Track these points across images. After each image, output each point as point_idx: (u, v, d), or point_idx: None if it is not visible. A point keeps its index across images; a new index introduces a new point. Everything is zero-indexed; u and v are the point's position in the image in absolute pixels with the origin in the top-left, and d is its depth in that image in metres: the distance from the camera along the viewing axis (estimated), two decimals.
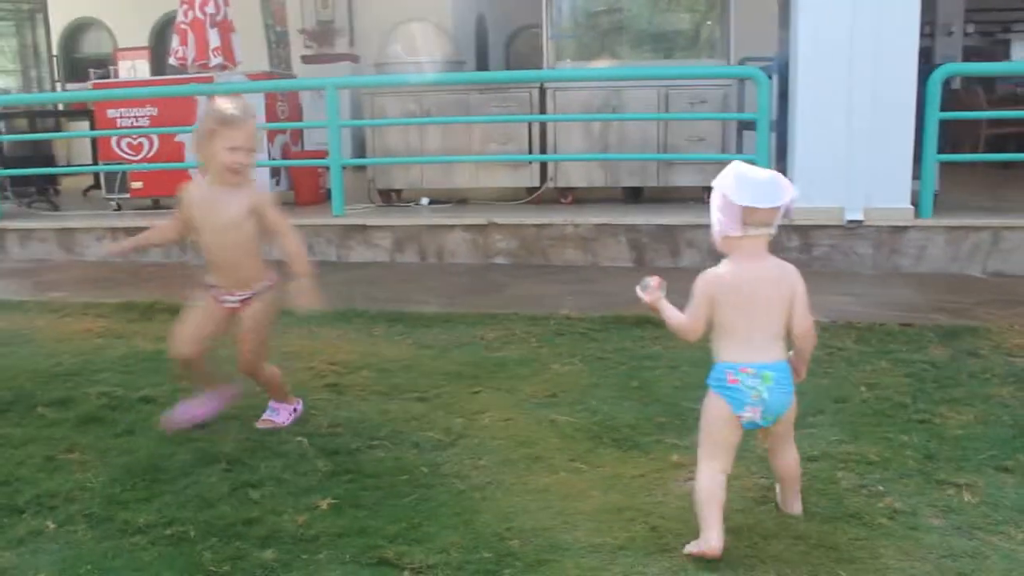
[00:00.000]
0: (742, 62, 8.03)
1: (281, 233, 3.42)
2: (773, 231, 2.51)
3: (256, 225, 3.39)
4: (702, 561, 2.44)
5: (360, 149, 10.35)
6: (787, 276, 2.54)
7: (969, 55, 14.37)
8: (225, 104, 3.29)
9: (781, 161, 6.94)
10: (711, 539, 2.41)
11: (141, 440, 3.41)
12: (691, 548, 2.45)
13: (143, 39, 15.50)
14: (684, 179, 7.56)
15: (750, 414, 2.50)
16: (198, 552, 2.56)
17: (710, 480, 2.49)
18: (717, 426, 2.54)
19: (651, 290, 2.68)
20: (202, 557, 2.52)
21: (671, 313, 2.63)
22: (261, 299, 3.47)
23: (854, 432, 3.33)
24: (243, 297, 3.48)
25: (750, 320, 2.49)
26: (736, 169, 2.47)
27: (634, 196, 8.03)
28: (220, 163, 3.26)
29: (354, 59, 13.80)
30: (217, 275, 3.51)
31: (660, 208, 7.28)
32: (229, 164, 3.25)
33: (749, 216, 2.43)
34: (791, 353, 2.59)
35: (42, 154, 9.98)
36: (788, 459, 2.68)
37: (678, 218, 6.61)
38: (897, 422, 3.42)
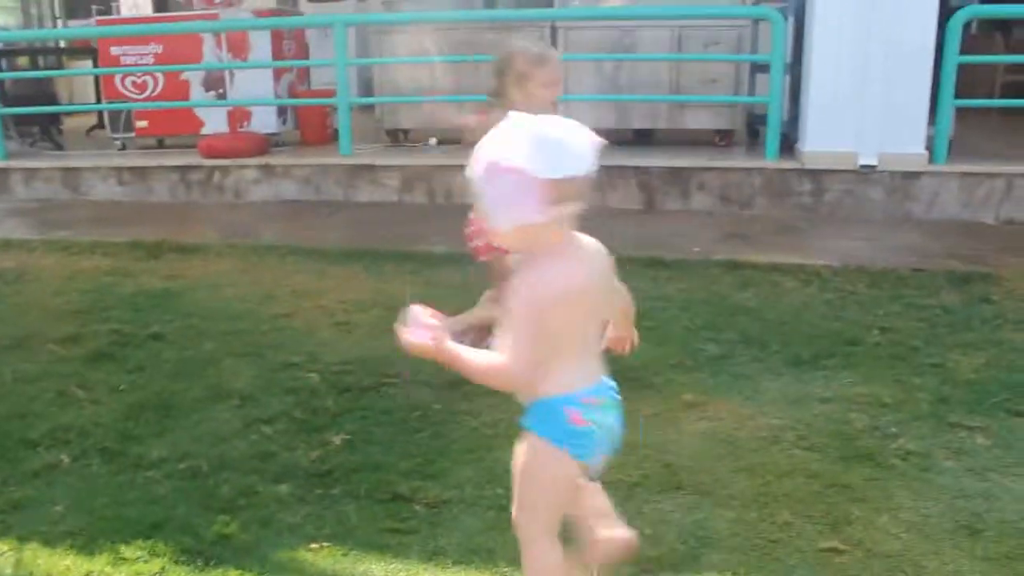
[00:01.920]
0: (757, 2, 7.88)
1: None
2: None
3: None
4: (717, 496, 2.45)
5: (367, 88, 10.22)
6: (604, 252, 1.84)
7: None
8: (527, 44, 3.37)
9: (794, 105, 6.84)
10: None
11: (152, 376, 3.43)
12: None
13: None
14: (696, 122, 7.47)
15: (602, 460, 1.80)
16: (212, 486, 2.58)
17: (556, 560, 1.82)
18: (563, 491, 1.81)
19: (426, 329, 1.76)
20: (217, 491, 2.54)
21: (471, 357, 1.73)
22: None
23: (867, 375, 3.33)
24: None
25: (584, 330, 1.77)
26: (525, 129, 1.66)
27: (645, 138, 7.94)
28: (540, 101, 3.12)
29: None
30: None
31: (671, 150, 7.20)
32: (550, 98, 3.22)
33: (561, 190, 1.64)
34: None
35: (44, 93, 9.86)
36: (599, 489, 2.00)
37: (689, 160, 6.54)
38: (910, 365, 3.41)
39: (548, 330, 1.67)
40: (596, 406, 1.74)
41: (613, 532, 1.95)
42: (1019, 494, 2.49)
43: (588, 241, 1.80)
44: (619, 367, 3.34)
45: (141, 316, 4.15)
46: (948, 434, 2.86)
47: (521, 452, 1.80)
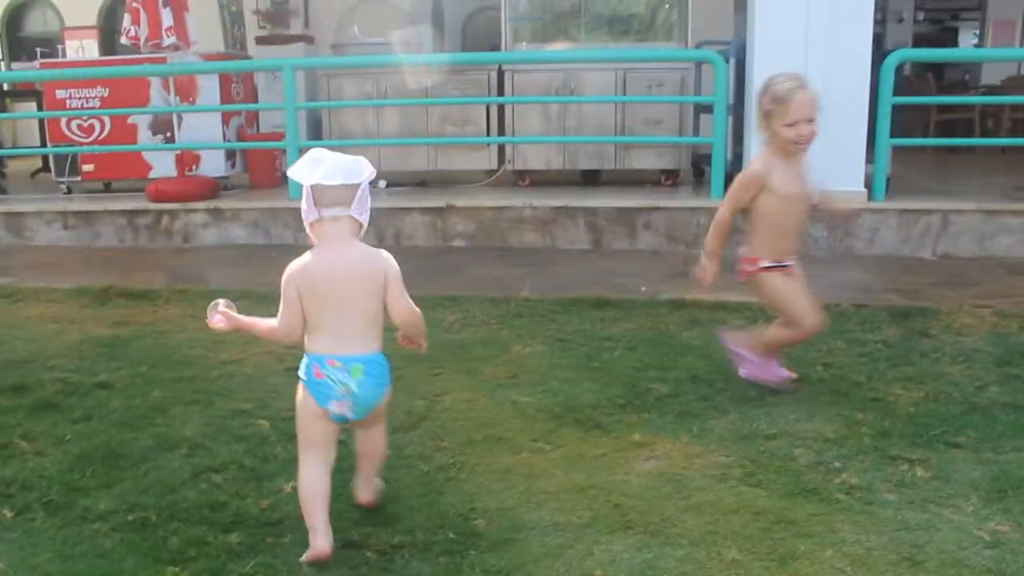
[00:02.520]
0: (699, 45, 8.06)
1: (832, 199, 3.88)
2: (355, 214, 2.39)
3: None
4: (666, 535, 2.48)
5: (316, 131, 10.25)
6: (377, 263, 2.44)
7: (919, 42, 14.57)
8: (780, 81, 3.46)
9: (738, 144, 7.01)
10: (317, 542, 2.37)
11: (99, 426, 3.38)
12: (304, 558, 2.39)
13: (91, 18, 15.17)
14: (642, 162, 7.61)
15: (337, 408, 2.45)
16: (161, 537, 2.54)
17: (310, 476, 2.46)
18: (308, 421, 2.50)
19: (221, 313, 2.61)
20: (166, 542, 2.51)
21: (257, 324, 2.58)
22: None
23: (811, 410, 3.40)
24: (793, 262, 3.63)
25: (338, 311, 2.40)
26: (310, 153, 2.39)
27: (592, 179, 8.06)
28: (782, 139, 3.42)
29: (309, 40, 13.62)
30: (784, 243, 3.59)
31: (618, 191, 7.32)
32: (791, 138, 3.40)
33: (320, 197, 2.34)
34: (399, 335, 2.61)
35: None
36: (373, 439, 2.65)
37: (636, 201, 6.66)
38: (853, 400, 3.49)
39: (304, 302, 2.41)
40: (337, 369, 2.42)
41: (359, 488, 2.70)
42: (958, 524, 2.55)
43: (364, 249, 2.46)
44: (567, 408, 3.41)
45: (87, 364, 4.09)
46: (890, 467, 2.93)
47: None
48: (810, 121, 3.42)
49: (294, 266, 2.42)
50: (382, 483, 2.73)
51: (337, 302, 2.40)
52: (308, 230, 2.44)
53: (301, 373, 2.47)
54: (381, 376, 2.49)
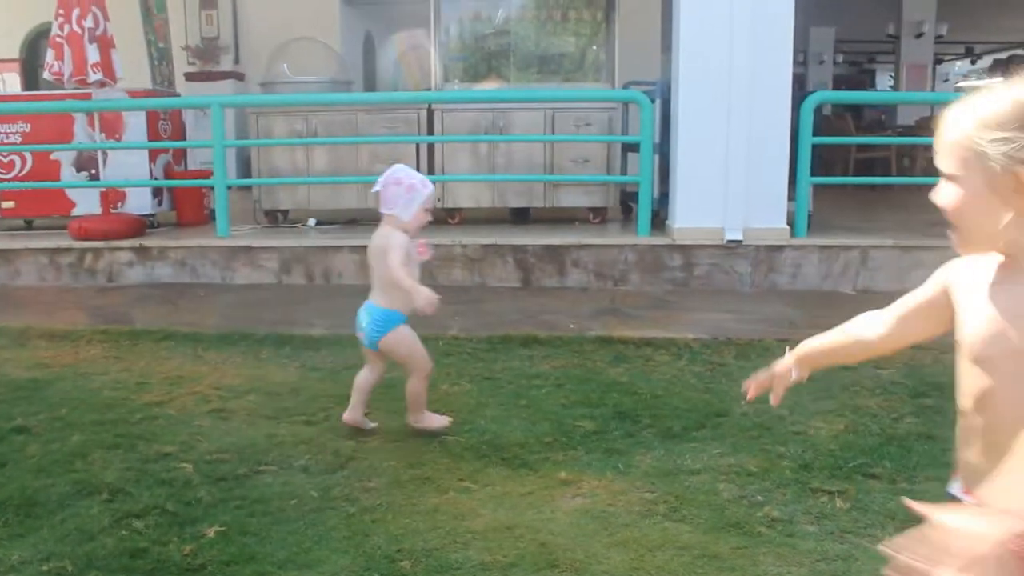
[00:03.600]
0: (626, 85, 8.23)
1: None
2: (383, 211, 3.54)
3: None
4: (592, 572, 2.50)
5: (245, 169, 10.15)
6: (382, 240, 3.49)
7: (839, 83, 15.10)
8: None
9: (664, 182, 7.15)
10: (346, 413, 3.61)
11: (14, 472, 3.28)
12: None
13: (14, 52, 14.88)
14: (570, 200, 7.70)
15: (359, 335, 3.55)
16: None
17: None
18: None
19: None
20: None
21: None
22: None
23: (735, 445, 3.46)
24: None
25: (371, 271, 3.56)
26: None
27: (521, 217, 8.13)
28: None
29: (239, 77, 13.56)
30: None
31: (547, 229, 7.39)
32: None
33: None
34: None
35: None
36: (368, 374, 3.62)
37: (564, 238, 6.73)
38: (775, 434, 3.56)
39: None
40: (362, 309, 3.55)
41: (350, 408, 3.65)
42: (875, 554, 2.61)
43: (381, 232, 3.55)
44: (494, 447, 3.42)
45: (4, 408, 3.97)
46: (810, 499, 3.00)
47: None
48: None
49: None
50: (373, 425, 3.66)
51: (369, 265, 3.58)
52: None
53: None
54: (377, 323, 3.48)
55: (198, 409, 3.95)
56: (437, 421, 3.61)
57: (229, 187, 7.38)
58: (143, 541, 2.74)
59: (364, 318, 3.49)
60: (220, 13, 13.73)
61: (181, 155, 8.89)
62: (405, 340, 3.51)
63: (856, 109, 13.28)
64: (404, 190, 3.47)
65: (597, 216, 7.72)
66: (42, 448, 3.51)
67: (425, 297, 3.34)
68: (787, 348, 1.90)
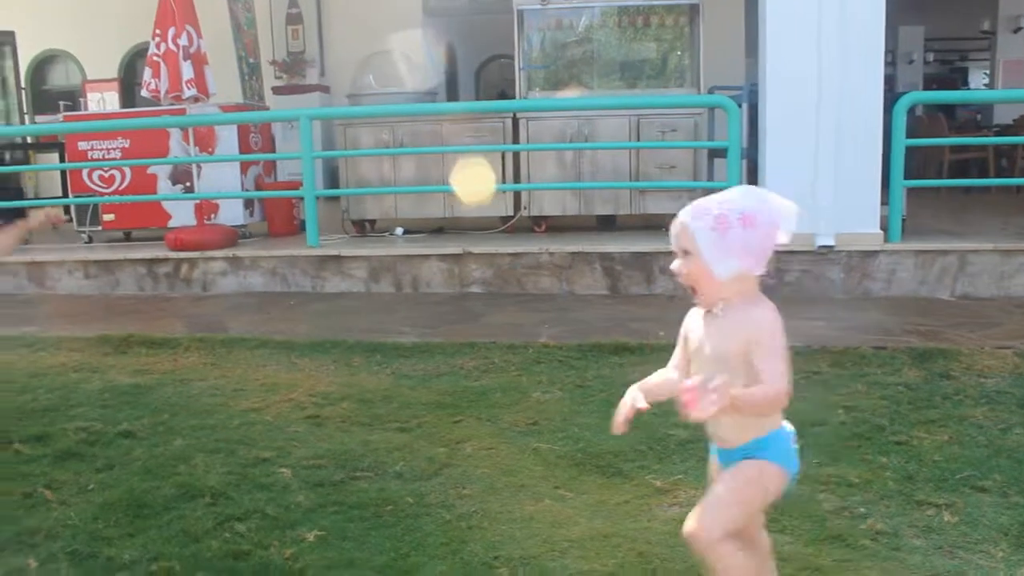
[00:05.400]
0: (712, 90, 8.15)
1: None
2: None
3: None
4: None
5: (333, 180, 10.36)
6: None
7: (929, 83, 14.70)
8: None
9: None
10: None
11: (122, 475, 3.39)
12: None
13: (112, 71, 15.46)
14: (657, 207, 7.64)
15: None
16: None
17: (746, 563, 2.12)
18: (765, 500, 2.18)
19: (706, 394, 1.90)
20: None
21: (755, 393, 1.97)
22: None
23: (833, 454, 3.38)
24: None
25: None
26: (777, 199, 2.06)
27: (607, 224, 8.10)
28: None
29: (325, 90, 13.85)
30: None
31: (633, 236, 7.35)
32: None
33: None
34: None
35: (10, 187, 9.90)
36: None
37: (651, 245, 6.67)
38: (875, 444, 3.47)
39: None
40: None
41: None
42: (987, 571, 2.53)
43: None
44: (588, 455, 3.40)
45: (109, 413, 4.12)
46: (916, 512, 2.91)
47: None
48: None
49: (777, 314, 1.98)
50: None
51: None
52: (730, 283, 2.00)
53: (779, 452, 2.11)
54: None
55: (294, 416, 4.03)
56: None
57: (318, 198, 7.52)
58: (246, 544, 2.80)
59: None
60: (306, 28, 14.05)
61: (271, 167, 9.10)
62: None
63: (949, 109, 12.89)
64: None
65: None
66: (147, 451, 3.62)
67: None
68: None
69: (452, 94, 14.23)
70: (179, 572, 2.63)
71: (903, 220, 6.55)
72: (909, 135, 6.45)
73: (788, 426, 2.12)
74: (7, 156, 10.34)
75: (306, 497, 3.13)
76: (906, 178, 6.51)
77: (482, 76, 16.77)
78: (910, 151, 6.50)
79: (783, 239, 1.97)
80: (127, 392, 4.45)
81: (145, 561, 2.70)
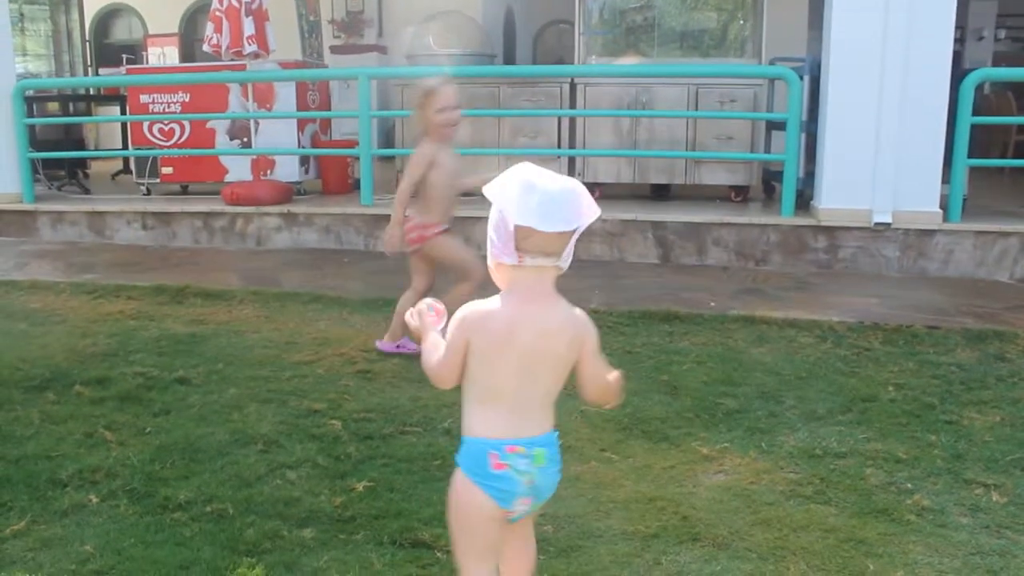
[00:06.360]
0: (772, 62, 8.01)
1: None
2: (563, 264, 1.81)
3: None
4: (734, 548, 2.48)
5: (388, 139, 10.39)
6: (579, 327, 1.86)
7: (998, 60, 14.30)
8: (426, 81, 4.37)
9: (810, 162, 6.94)
10: None
11: (178, 420, 3.49)
12: None
13: (173, 26, 15.62)
14: (712, 178, 7.58)
15: (523, 507, 1.87)
16: (238, 529, 2.62)
17: None
18: (477, 526, 1.87)
19: (425, 317, 1.99)
20: (242, 534, 2.58)
21: (430, 349, 1.92)
22: None
23: (882, 431, 3.36)
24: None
25: (523, 380, 1.82)
26: (521, 174, 1.75)
27: (661, 193, 8.05)
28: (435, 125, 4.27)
29: (382, 50, 13.86)
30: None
31: (687, 206, 7.30)
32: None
33: (524, 240, 1.74)
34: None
35: (72, 138, 10.08)
36: (529, 544, 2.05)
37: (705, 216, 6.63)
38: (925, 422, 3.45)
39: (461, 354, 1.83)
40: (521, 456, 1.82)
41: None
42: None
43: (564, 308, 1.85)
44: (635, 420, 3.41)
45: (166, 360, 4.22)
46: (963, 491, 2.89)
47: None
48: (455, 107, 4.16)
49: (473, 311, 1.82)
50: None
51: (524, 369, 1.81)
52: (493, 269, 1.86)
53: (463, 464, 1.87)
54: (558, 460, 1.92)
55: (345, 370, 4.09)
56: None
57: (373, 157, 7.56)
58: (296, 491, 2.87)
59: (535, 466, 1.84)
60: None
61: (327, 125, 9.16)
62: None
63: (1018, 88, 12.53)
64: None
65: (739, 195, 7.57)
66: (202, 399, 3.71)
67: None
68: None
69: (509, 59, 14.16)
70: (231, 514, 2.71)
71: (964, 200, 6.43)
72: (975, 113, 6.31)
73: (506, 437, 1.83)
74: (71, 107, 10.51)
75: (356, 449, 3.19)
76: (970, 157, 6.37)
77: (540, 42, 16.67)
78: (975, 130, 6.36)
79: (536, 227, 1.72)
80: (183, 341, 4.55)
81: (199, 502, 2.79)
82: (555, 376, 1.85)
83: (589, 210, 1.75)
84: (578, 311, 1.87)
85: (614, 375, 1.92)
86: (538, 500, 1.89)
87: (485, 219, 1.83)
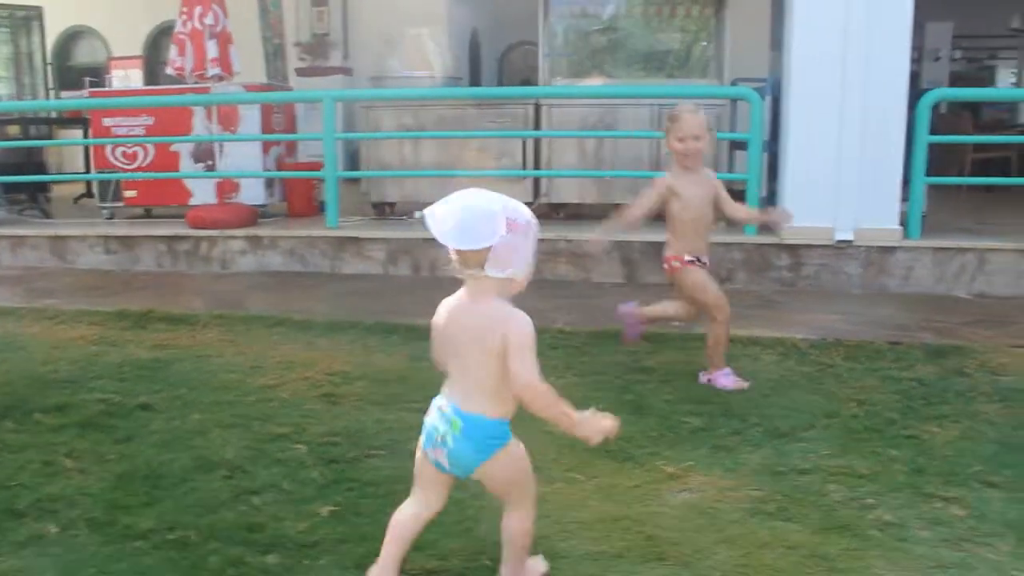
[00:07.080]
0: (735, 82, 8.12)
1: None
2: (493, 274, 2.12)
3: None
4: (698, 567, 2.50)
5: (353, 162, 10.38)
6: (498, 325, 2.14)
7: (955, 81, 14.57)
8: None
9: (773, 181, 7.03)
10: (373, 571, 2.37)
11: (140, 446, 3.44)
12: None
13: (137, 48, 15.54)
14: None
15: (434, 455, 2.27)
16: (201, 557, 2.59)
17: (400, 509, 2.40)
18: (418, 455, 2.36)
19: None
20: (205, 562, 2.55)
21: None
22: None
23: (844, 446, 3.39)
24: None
25: (456, 362, 2.25)
26: (446, 199, 2.13)
27: None
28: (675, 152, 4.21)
29: (347, 72, 13.87)
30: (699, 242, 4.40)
31: (652, 225, 7.33)
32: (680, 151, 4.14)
33: (451, 253, 2.15)
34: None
35: (34, 161, 9.97)
36: (507, 521, 2.38)
37: None
38: (886, 437, 3.48)
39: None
40: (443, 414, 2.26)
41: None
42: (994, 564, 2.54)
43: (488, 308, 2.19)
44: (602, 440, 3.41)
45: (128, 386, 4.17)
46: (924, 505, 2.92)
47: None
48: (696, 138, 3.99)
49: (441, 306, 2.29)
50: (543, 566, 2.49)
51: (455, 354, 2.23)
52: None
53: None
54: (480, 442, 2.21)
55: (310, 393, 4.07)
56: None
57: (338, 179, 7.55)
58: (260, 516, 2.84)
59: (451, 431, 2.22)
60: (331, 10, 14.07)
61: (292, 147, 9.15)
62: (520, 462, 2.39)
63: (975, 107, 12.78)
64: (522, 234, 2.14)
65: None
66: (165, 424, 3.67)
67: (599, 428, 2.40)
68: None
69: (475, 79, 14.22)
70: (194, 542, 2.68)
71: (923, 217, 6.54)
72: (933, 132, 6.42)
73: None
74: (31, 131, 10.41)
75: (321, 473, 3.17)
76: (928, 175, 6.49)
77: (506, 62, 16.75)
78: (933, 148, 6.48)
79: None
80: (146, 366, 4.50)
81: (162, 530, 2.75)
82: (482, 363, 2.17)
83: (491, 229, 2.05)
84: (509, 312, 2.17)
85: (526, 382, 2.16)
86: (453, 467, 2.26)
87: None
